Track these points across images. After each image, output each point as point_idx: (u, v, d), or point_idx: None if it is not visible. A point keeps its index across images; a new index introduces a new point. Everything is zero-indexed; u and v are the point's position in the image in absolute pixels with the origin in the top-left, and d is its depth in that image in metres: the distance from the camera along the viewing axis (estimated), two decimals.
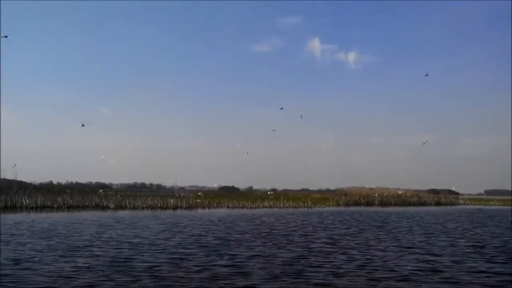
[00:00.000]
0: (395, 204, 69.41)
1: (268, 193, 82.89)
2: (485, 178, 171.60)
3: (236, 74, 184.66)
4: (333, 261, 14.57)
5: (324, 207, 58.21)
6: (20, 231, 22.49)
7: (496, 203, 75.92)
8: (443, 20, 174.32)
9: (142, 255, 15.31)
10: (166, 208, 46.72)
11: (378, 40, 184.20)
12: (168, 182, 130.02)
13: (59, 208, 42.36)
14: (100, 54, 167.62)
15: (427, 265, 14.10)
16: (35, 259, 14.30)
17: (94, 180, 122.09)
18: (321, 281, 11.48)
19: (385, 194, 74.98)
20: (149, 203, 47.17)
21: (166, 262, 14.07)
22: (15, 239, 19.33)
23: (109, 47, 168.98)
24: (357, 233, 23.75)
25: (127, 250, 16.54)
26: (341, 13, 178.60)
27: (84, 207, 44.23)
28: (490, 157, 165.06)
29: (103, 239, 19.52)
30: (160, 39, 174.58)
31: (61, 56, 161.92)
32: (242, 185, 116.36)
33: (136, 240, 19.38)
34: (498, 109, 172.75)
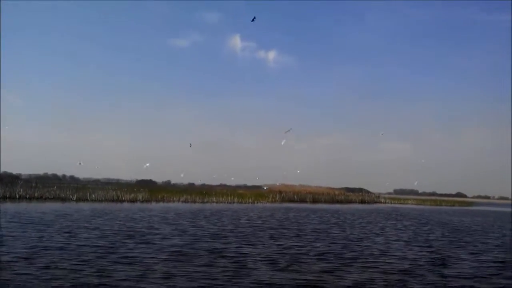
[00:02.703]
0: (325, 202, 74.91)
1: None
2: (393, 178, 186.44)
3: (155, 68, 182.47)
4: (366, 251, 18.01)
5: (265, 203, 61.86)
6: (39, 219, 23.43)
7: (412, 202, 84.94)
8: (361, 31, 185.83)
9: (213, 244, 17.71)
10: (123, 201, 47.59)
11: (297, 42, 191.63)
12: (80, 174, 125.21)
13: (21, 199, 41.96)
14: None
15: (439, 254, 18.03)
16: (156, 237, 16.27)
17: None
18: (387, 267, 14.82)
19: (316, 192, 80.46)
20: (108, 196, 47.76)
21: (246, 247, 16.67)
22: (62, 228, 20.68)
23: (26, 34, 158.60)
24: (338, 228, 27.47)
25: (192, 239, 18.79)
26: (260, 12, 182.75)
27: (44, 198, 43.92)
28: (398, 160, 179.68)
29: (151, 230, 21.46)
30: (78, 31, 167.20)
31: None
32: (159, 178, 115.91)
33: (174, 231, 21.52)
34: (410, 117, 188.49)
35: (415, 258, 16.29)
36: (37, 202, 40.04)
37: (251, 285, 10.92)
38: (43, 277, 10.69)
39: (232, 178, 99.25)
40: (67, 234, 18.72)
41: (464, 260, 16.57)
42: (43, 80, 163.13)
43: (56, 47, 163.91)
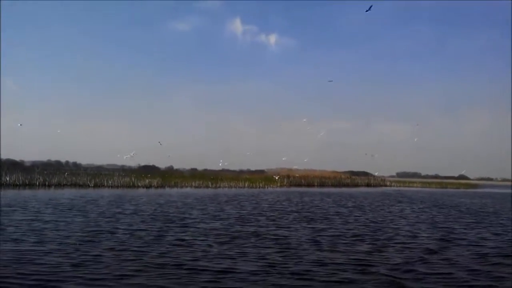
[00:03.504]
0: (332, 185, 75.99)
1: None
2: (395, 161, 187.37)
3: (155, 52, 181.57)
4: (397, 232, 18.93)
5: (275, 187, 62.96)
6: (72, 205, 24.27)
7: (418, 185, 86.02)
8: (362, 13, 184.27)
9: (249, 227, 18.55)
10: (138, 187, 48.54)
11: (298, 24, 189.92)
12: (84, 160, 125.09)
13: (41, 186, 42.85)
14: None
15: (465, 234, 18.95)
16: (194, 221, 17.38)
17: (3, 157, 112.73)
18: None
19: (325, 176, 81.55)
20: (124, 182, 48.68)
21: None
22: (100, 213, 21.48)
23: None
24: (359, 211, 28.49)
25: (227, 222, 19.63)
26: None
27: (62, 185, 44.82)
28: (401, 142, 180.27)
29: (184, 215, 22.26)
30: (78, 15, 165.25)
31: None
32: (161, 164, 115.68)
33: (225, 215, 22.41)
34: (409, 98, 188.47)
35: (445, 239, 17.08)
36: (55, 189, 40.95)
37: (310, 264, 11.71)
38: (117, 258, 11.49)
39: (226, 163, 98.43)
40: (108, 219, 19.53)
41: (490, 240, 17.34)
42: (40, 68, 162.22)
43: (51, 36, 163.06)
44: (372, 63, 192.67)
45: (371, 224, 21.11)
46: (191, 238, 15.28)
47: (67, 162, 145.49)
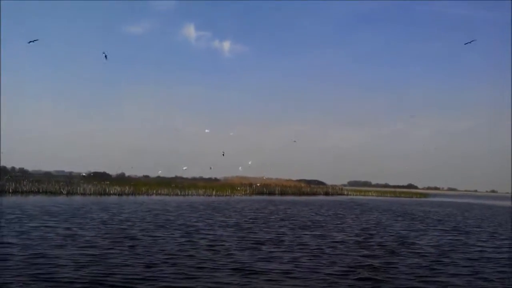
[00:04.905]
0: (293, 194, 78.01)
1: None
2: (348, 170, 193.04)
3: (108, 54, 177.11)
4: (395, 239, 20.61)
5: (240, 195, 64.17)
6: (68, 212, 24.35)
7: (373, 194, 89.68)
8: (319, 18, 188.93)
9: (253, 234, 19.61)
10: (110, 194, 48.46)
11: (252, 30, 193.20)
12: (30, 166, 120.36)
13: (13, 193, 41.95)
14: None
15: (456, 240, 20.89)
16: (202, 228, 18.02)
17: None
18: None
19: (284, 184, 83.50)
20: (96, 189, 48.45)
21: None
22: (106, 220, 21.85)
23: None
24: (340, 219, 30.27)
25: (230, 230, 20.59)
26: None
27: (34, 192, 44.04)
28: (353, 150, 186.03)
29: (184, 222, 22.96)
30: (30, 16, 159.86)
31: None
32: (112, 171, 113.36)
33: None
34: (366, 105, 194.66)
35: (439, 245, 18.82)
36: (27, 196, 40.21)
37: (346, 266, 13.08)
38: (171, 261, 12.40)
39: (184, 168, 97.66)
40: (118, 226, 20.05)
41: (479, 246, 19.01)
42: None
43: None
44: (327, 68, 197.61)
45: (366, 232, 22.58)
46: (219, 244, 16.16)
47: (13, 168, 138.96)
